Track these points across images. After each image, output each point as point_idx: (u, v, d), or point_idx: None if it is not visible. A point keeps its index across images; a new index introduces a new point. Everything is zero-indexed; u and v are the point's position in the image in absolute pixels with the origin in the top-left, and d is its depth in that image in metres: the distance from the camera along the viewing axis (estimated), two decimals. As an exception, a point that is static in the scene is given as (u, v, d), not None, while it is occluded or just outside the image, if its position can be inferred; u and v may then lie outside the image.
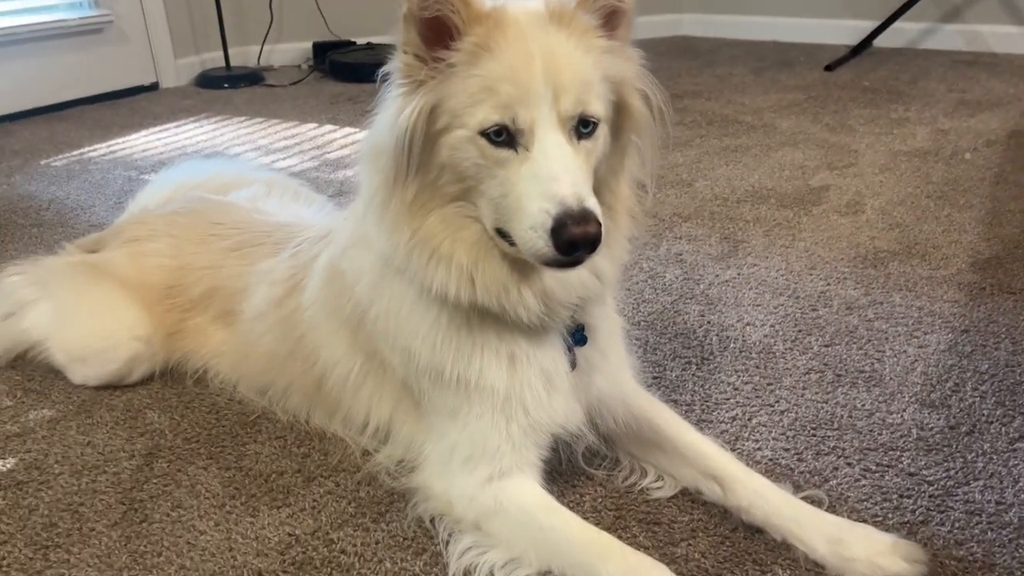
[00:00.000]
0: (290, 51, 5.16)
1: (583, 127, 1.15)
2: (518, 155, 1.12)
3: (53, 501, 1.45)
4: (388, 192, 1.20)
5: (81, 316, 1.77)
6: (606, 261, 1.28)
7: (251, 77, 4.74)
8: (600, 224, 1.08)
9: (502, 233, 1.16)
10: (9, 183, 3.16)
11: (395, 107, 1.16)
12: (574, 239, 1.06)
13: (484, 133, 1.11)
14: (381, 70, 1.22)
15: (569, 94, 1.12)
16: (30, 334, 1.80)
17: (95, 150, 3.56)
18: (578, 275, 1.25)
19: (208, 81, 4.72)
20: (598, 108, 1.17)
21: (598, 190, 1.21)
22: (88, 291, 1.78)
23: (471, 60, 1.11)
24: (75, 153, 3.52)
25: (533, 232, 1.09)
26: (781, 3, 5.33)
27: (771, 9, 5.37)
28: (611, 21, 1.21)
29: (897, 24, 4.72)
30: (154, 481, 1.49)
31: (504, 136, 1.11)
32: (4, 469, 1.53)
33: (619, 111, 1.23)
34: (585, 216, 1.07)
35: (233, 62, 4.85)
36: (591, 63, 1.16)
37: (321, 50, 4.92)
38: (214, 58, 4.89)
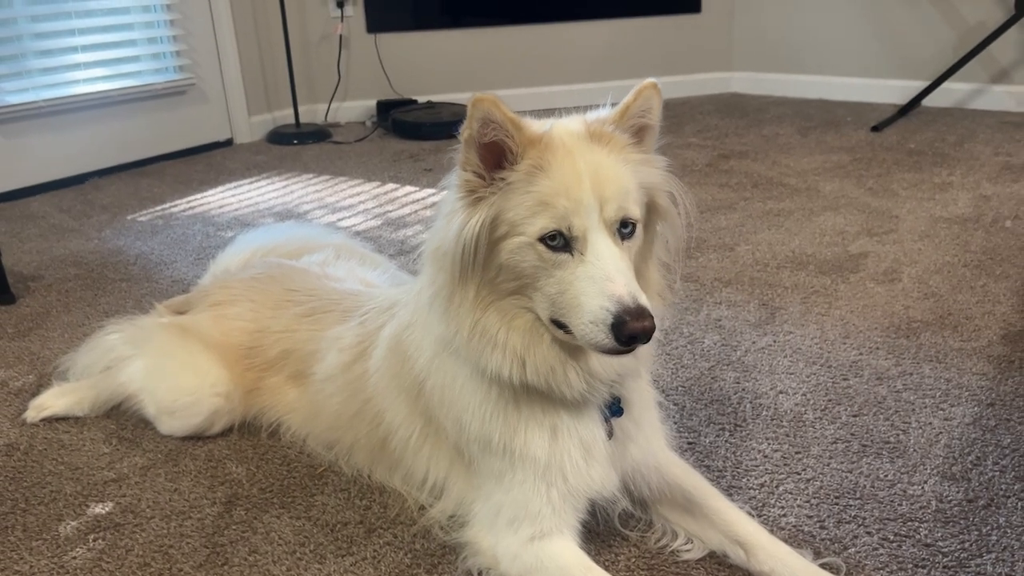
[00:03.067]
0: (355, 108, 5.47)
1: (623, 228, 1.32)
2: (573, 258, 1.28)
3: (146, 543, 1.64)
4: (452, 289, 1.36)
5: (170, 373, 1.97)
6: (642, 340, 1.43)
7: (319, 134, 5.04)
8: (653, 318, 1.24)
9: (558, 323, 1.32)
10: (100, 237, 3.45)
11: (458, 218, 1.32)
12: (634, 333, 1.22)
13: (542, 240, 1.28)
14: (441, 184, 1.39)
15: (612, 203, 1.29)
16: (126, 387, 2.01)
17: (176, 205, 3.85)
18: (619, 357, 1.40)
19: (279, 137, 5.03)
20: (636, 212, 1.33)
21: None
22: (176, 351, 1.98)
23: (528, 179, 1.28)
24: (158, 208, 3.81)
25: (594, 326, 1.24)
26: (830, 62, 5.45)
27: (820, 68, 5.50)
28: (640, 135, 1.38)
29: (946, 84, 4.81)
30: (233, 527, 1.67)
31: (559, 241, 1.28)
32: (103, 512, 1.73)
33: (650, 209, 1.39)
34: (641, 312, 1.22)
35: (302, 119, 5.16)
36: (628, 174, 1.33)
37: (384, 108, 5.21)
38: (285, 115, 5.22)
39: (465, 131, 1.28)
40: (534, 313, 1.35)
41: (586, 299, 1.25)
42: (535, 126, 1.32)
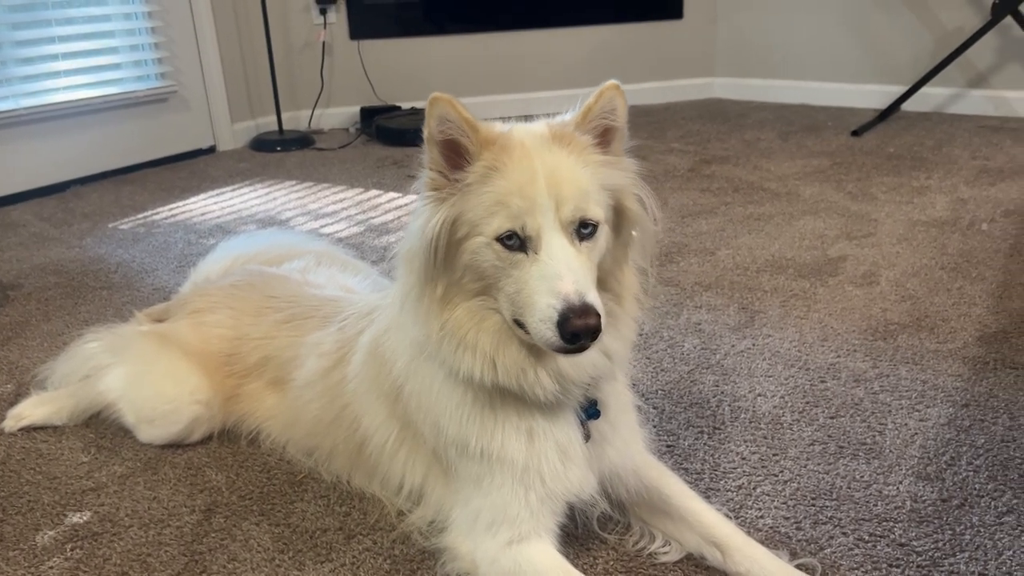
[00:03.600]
0: (339, 115, 5.47)
1: (584, 229, 1.32)
2: (528, 257, 1.29)
3: (124, 552, 1.63)
4: (421, 289, 1.38)
5: (149, 381, 1.96)
6: (615, 342, 1.43)
7: (302, 141, 5.04)
8: (600, 316, 1.24)
9: (519, 323, 1.33)
10: (81, 246, 3.43)
11: (423, 217, 1.35)
12: (576, 330, 1.23)
13: (499, 239, 1.29)
14: (413, 186, 1.41)
15: (569, 203, 1.29)
16: (105, 396, 2.00)
17: (158, 213, 3.84)
18: (590, 356, 1.40)
19: (262, 144, 5.02)
20: (597, 213, 1.33)
21: (605, 280, 1.39)
22: (156, 359, 1.98)
23: (483, 179, 1.30)
24: (140, 216, 3.80)
25: (543, 324, 1.25)
26: (811, 68, 5.50)
27: (801, 74, 5.55)
28: (605, 137, 1.39)
29: (925, 89, 4.86)
30: (212, 535, 1.67)
31: (515, 241, 1.29)
32: (81, 521, 1.73)
33: (619, 213, 1.39)
34: (586, 309, 1.23)
35: (285, 126, 5.16)
36: (589, 175, 1.33)
37: (368, 114, 5.21)
38: (268, 122, 5.21)
39: (425, 130, 1.31)
40: (502, 315, 1.36)
41: (538, 297, 1.26)
42: (493, 128, 1.34)
